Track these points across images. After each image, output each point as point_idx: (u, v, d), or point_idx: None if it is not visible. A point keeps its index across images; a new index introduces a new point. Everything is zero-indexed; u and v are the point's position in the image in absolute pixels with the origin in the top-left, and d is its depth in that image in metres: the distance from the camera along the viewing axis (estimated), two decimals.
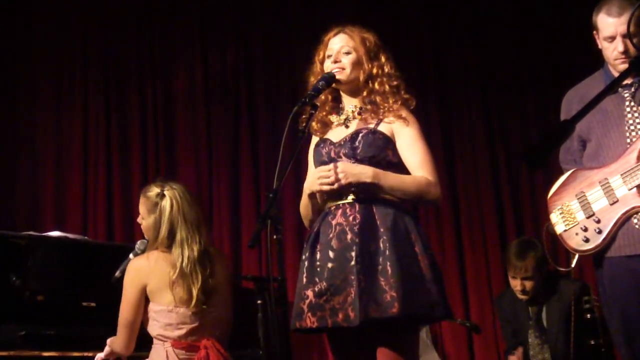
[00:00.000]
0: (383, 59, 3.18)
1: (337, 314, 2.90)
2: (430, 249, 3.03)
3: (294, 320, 3.02)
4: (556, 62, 6.07)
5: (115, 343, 3.59)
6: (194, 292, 3.50)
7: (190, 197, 3.66)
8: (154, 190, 3.64)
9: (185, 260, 3.51)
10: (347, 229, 2.98)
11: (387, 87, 3.14)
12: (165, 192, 3.61)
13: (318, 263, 3.01)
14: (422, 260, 2.94)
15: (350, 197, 3.02)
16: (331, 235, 3.00)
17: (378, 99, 3.13)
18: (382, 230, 2.95)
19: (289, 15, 6.34)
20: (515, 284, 4.75)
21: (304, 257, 3.09)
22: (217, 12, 6.39)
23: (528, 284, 4.69)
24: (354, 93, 3.19)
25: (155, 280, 3.52)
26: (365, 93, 3.15)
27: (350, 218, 2.99)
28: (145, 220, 3.66)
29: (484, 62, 6.18)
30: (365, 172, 2.99)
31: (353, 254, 2.92)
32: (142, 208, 3.68)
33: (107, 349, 3.65)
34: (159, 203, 3.60)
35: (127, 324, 3.54)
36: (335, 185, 2.97)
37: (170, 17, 6.41)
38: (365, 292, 2.86)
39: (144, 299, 3.55)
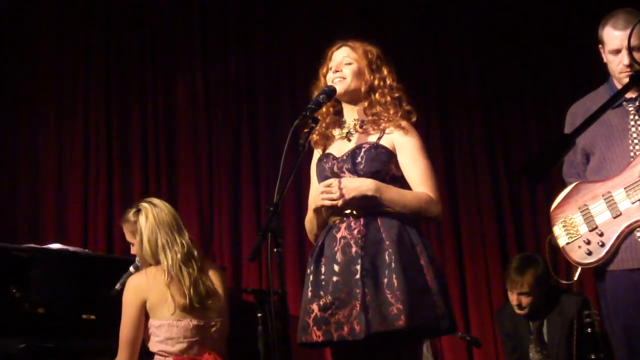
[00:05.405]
0: (385, 72, 3.19)
1: (343, 328, 2.89)
2: (436, 261, 3.03)
3: (300, 334, 3.01)
4: (559, 74, 6.09)
5: None
6: (186, 291, 3.52)
7: (164, 204, 3.72)
8: (131, 212, 3.71)
9: (170, 262, 3.55)
10: (351, 242, 2.97)
11: (388, 98, 3.15)
12: (140, 207, 3.68)
13: (323, 277, 3.01)
14: (428, 272, 2.94)
15: (352, 211, 3.01)
16: (336, 249, 3.00)
17: (379, 109, 3.13)
18: (387, 243, 2.94)
19: (289, 25, 6.35)
20: (512, 299, 4.74)
21: (308, 270, 3.08)
22: (218, 22, 6.40)
23: (524, 300, 4.67)
24: (355, 104, 3.19)
25: (154, 294, 3.53)
26: (366, 104, 3.16)
27: (355, 231, 2.99)
28: (134, 244, 3.70)
29: (485, 74, 6.19)
30: (366, 185, 2.98)
31: (358, 267, 2.92)
32: (127, 234, 3.74)
33: None
34: (137, 220, 3.65)
35: (129, 342, 3.52)
36: (340, 202, 2.97)
37: (171, 28, 6.41)
38: (370, 306, 2.86)
39: (144, 316, 3.55)
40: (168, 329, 3.52)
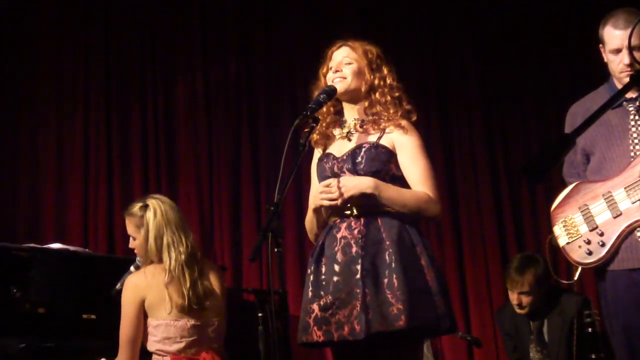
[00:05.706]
0: (385, 71, 3.19)
1: (343, 328, 2.89)
2: (436, 261, 3.03)
3: (301, 334, 3.01)
4: (559, 74, 6.10)
5: None
6: (185, 292, 3.50)
7: (172, 202, 3.70)
8: (137, 206, 3.67)
9: (173, 262, 3.53)
10: (352, 242, 2.98)
11: (388, 97, 3.15)
12: (148, 203, 3.65)
13: (323, 277, 3.01)
14: (428, 272, 2.94)
15: (353, 211, 3.01)
16: (336, 249, 3.00)
17: (379, 108, 3.13)
18: (387, 243, 2.94)
19: (289, 25, 6.35)
20: (513, 298, 4.75)
21: (309, 271, 3.08)
22: (218, 22, 6.40)
23: (525, 299, 4.68)
24: (355, 104, 3.19)
25: (152, 293, 3.52)
26: (366, 104, 3.17)
27: (355, 231, 2.99)
28: (137, 238, 3.66)
29: (485, 74, 6.20)
30: (365, 182, 2.98)
31: (358, 267, 2.92)
32: (131, 227, 3.69)
33: None
34: (144, 215, 3.62)
35: (129, 342, 3.51)
36: (339, 202, 2.97)
37: (171, 28, 6.41)
38: (370, 306, 2.86)
39: (144, 315, 3.54)
40: (165, 329, 3.51)
